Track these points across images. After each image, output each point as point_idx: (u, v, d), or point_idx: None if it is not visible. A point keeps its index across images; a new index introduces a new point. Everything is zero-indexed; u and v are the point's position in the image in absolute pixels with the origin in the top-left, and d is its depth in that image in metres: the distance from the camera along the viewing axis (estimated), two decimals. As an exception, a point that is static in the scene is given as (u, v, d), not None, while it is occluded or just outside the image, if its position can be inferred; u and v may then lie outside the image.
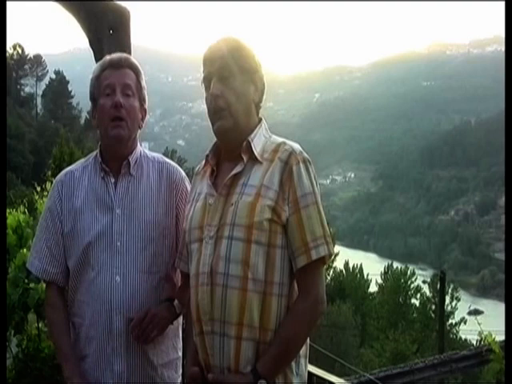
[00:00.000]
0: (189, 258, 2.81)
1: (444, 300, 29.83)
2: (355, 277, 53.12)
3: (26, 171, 55.46)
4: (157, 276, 3.05)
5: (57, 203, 3.13)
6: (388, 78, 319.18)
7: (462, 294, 53.13)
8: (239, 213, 2.60)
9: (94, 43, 5.53)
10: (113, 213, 3.02)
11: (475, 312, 66.86)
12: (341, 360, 23.61)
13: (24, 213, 7.51)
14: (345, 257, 54.46)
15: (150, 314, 2.90)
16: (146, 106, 3.16)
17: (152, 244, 3.04)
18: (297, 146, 2.71)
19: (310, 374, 2.96)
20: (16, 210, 7.53)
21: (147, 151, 3.25)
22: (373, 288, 53.16)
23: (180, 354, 3.23)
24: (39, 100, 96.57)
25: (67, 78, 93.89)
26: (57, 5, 5.69)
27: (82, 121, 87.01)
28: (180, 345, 3.23)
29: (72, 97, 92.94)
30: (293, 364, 2.66)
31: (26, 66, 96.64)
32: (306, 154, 2.70)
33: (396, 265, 54.02)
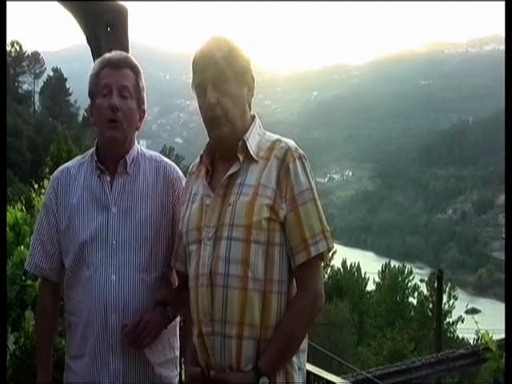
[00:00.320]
0: (187, 259, 2.80)
1: (441, 299, 29.91)
2: (353, 275, 53.21)
3: (23, 168, 55.44)
4: (153, 275, 3.03)
5: (52, 200, 3.12)
6: (386, 76, 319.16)
7: (459, 292, 53.13)
8: (238, 213, 2.59)
9: (91, 40, 5.53)
10: (108, 211, 3.01)
11: (472, 311, 66.98)
12: (338, 358, 23.65)
13: (21, 210, 7.50)
14: (342, 255, 54.51)
15: (143, 320, 2.88)
16: (145, 106, 3.14)
17: (148, 243, 3.02)
18: (292, 143, 2.71)
19: (308, 372, 2.96)
20: (13, 208, 7.53)
21: (145, 150, 3.23)
22: (370, 286, 53.30)
23: (177, 353, 3.21)
24: (37, 97, 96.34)
25: (65, 76, 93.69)
26: (55, 2, 5.69)
27: (80, 118, 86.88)
28: (177, 344, 3.22)
29: (70, 94, 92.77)
30: (294, 359, 2.68)
31: (24, 64, 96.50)
32: (301, 150, 2.70)
33: (393, 263, 54.14)
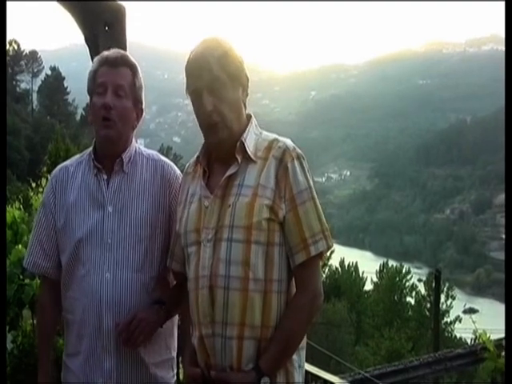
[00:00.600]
0: (185, 261, 2.79)
1: (439, 298, 29.93)
2: (350, 275, 53.28)
3: (21, 167, 55.39)
4: (148, 275, 3.01)
5: (50, 198, 3.13)
6: (384, 76, 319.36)
7: (457, 292, 53.27)
8: (237, 214, 2.58)
9: (89, 39, 5.52)
10: (104, 210, 3.00)
11: (470, 311, 66.91)
12: (336, 357, 23.67)
13: (19, 209, 7.53)
14: (340, 255, 54.52)
15: (137, 318, 2.86)
16: (143, 105, 3.11)
17: (143, 242, 3.00)
18: (289, 142, 2.70)
19: (305, 371, 2.96)
20: (11, 206, 7.55)
21: (143, 148, 3.22)
22: (368, 286, 53.34)
23: (174, 354, 3.20)
24: (35, 96, 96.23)
25: (63, 75, 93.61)
26: (53, 2, 5.68)
27: (78, 117, 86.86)
28: (174, 345, 3.20)
29: (68, 93, 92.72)
30: (294, 357, 2.68)
31: (22, 62, 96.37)
32: (298, 150, 2.69)
33: (391, 263, 54.19)
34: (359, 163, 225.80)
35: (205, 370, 2.64)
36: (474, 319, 8.55)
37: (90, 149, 3.14)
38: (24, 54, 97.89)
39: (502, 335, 3.92)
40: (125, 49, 5.19)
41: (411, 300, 47.50)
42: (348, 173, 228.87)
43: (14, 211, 7.06)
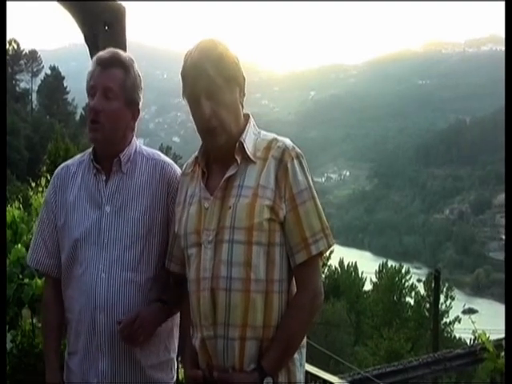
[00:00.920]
0: (186, 263, 2.78)
1: (438, 299, 29.95)
2: (350, 275, 53.29)
3: (21, 167, 55.30)
4: (144, 275, 3.00)
5: (52, 196, 3.15)
6: (383, 76, 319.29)
7: (456, 292, 53.22)
8: (238, 215, 2.57)
9: (89, 39, 5.52)
10: (102, 210, 3.00)
11: (469, 311, 66.95)
12: (337, 357, 23.68)
13: (19, 208, 7.54)
14: (340, 255, 54.46)
15: (140, 317, 2.86)
16: (140, 104, 3.09)
17: (140, 242, 2.99)
18: (288, 142, 2.70)
19: (305, 371, 2.97)
20: (11, 206, 7.56)
21: (144, 147, 3.21)
22: (367, 286, 53.30)
23: (173, 355, 3.18)
24: (34, 96, 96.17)
25: (62, 74, 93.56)
26: (53, 1, 5.68)
27: (78, 117, 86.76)
28: (174, 346, 3.19)
29: (67, 92, 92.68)
30: (296, 355, 2.69)
31: (22, 62, 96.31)
32: (298, 149, 2.69)
33: (391, 263, 54.07)
34: (358, 163, 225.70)
35: (206, 371, 2.64)
36: (473, 319, 8.54)
37: (91, 148, 3.15)
38: (24, 53, 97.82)
39: (502, 335, 3.92)
40: (124, 49, 5.19)
41: (410, 300, 47.42)
42: (347, 173, 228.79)
43: (13, 211, 7.08)
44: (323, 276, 45.33)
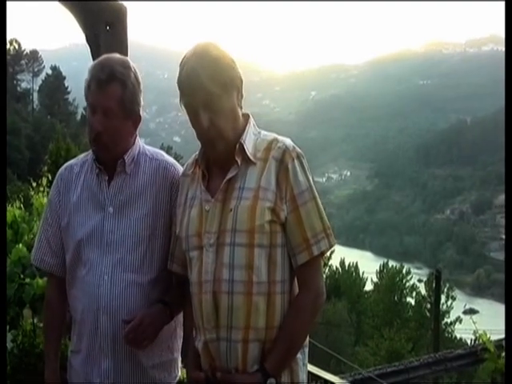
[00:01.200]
0: (188, 265, 2.77)
1: (439, 299, 29.92)
2: (351, 275, 53.26)
3: (21, 167, 55.29)
4: (147, 277, 2.99)
5: (55, 197, 3.14)
6: (384, 76, 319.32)
7: (457, 293, 53.21)
8: (239, 218, 2.57)
9: (90, 39, 5.52)
10: (105, 211, 2.99)
11: (470, 311, 67.00)
12: (339, 356, 23.68)
13: (20, 208, 7.53)
14: (341, 255, 54.46)
15: (145, 322, 2.84)
16: (140, 110, 3.04)
17: (143, 243, 2.98)
18: (289, 142, 2.68)
19: (306, 371, 2.97)
20: (12, 206, 7.56)
21: (148, 147, 3.19)
22: (368, 286, 53.27)
23: (176, 355, 3.17)
24: (35, 95, 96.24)
25: (64, 74, 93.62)
26: (54, 1, 5.68)
27: (79, 116, 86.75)
28: (177, 346, 3.18)
29: (68, 92, 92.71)
30: (299, 355, 2.69)
31: (23, 62, 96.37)
32: (298, 149, 2.67)
33: (391, 263, 54.07)
34: (359, 163, 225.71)
35: (209, 373, 2.64)
36: (474, 320, 8.54)
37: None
38: (25, 53, 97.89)
39: (502, 336, 3.92)
40: (126, 49, 5.19)
41: (411, 300, 47.44)
42: (348, 173, 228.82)
43: (14, 210, 7.07)
44: (324, 276, 45.34)
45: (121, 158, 3.02)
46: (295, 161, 2.62)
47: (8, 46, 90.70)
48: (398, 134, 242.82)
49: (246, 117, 2.76)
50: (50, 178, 8.41)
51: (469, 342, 30.56)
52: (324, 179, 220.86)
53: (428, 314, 42.00)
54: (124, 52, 5.17)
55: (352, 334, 43.74)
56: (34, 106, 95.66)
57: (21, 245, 6.18)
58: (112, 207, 3.00)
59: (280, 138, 2.71)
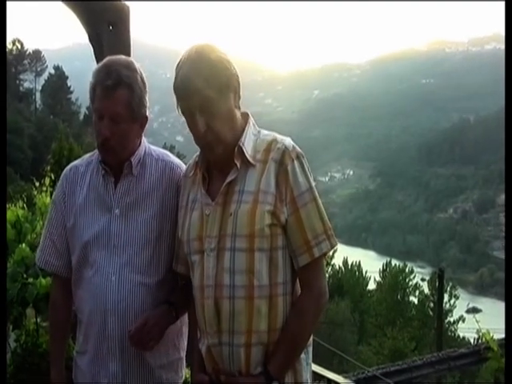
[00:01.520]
0: (190, 269, 2.76)
1: (442, 298, 29.89)
2: (354, 274, 53.19)
3: (24, 166, 55.26)
4: (154, 278, 2.98)
5: (61, 198, 3.12)
6: (387, 75, 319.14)
7: (460, 292, 53.08)
8: (239, 222, 2.55)
9: (93, 39, 5.52)
10: (111, 213, 2.98)
11: (473, 310, 66.83)
12: (343, 354, 23.67)
13: (23, 208, 7.53)
14: (343, 254, 54.39)
15: (148, 324, 2.83)
16: (147, 111, 3.01)
17: (150, 245, 2.98)
18: (288, 142, 2.66)
19: (309, 371, 2.96)
20: (15, 205, 7.55)
21: (153, 148, 3.18)
22: (371, 285, 53.22)
23: (182, 354, 3.17)
24: (38, 95, 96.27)
25: (66, 74, 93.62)
26: (57, 1, 5.68)
27: (81, 116, 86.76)
28: (183, 344, 3.18)
29: (71, 92, 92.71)
30: (302, 355, 2.68)
31: (25, 62, 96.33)
32: (298, 149, 2.65)
33: (394, 262, 53.99)
34: (361, 162, 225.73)
35: (213, 375, 2.64)
36: (477, 319, 8.51)
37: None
38: (27, 53, 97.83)
39: (506, 334, 3.90)
40: (128, 48, 5.19)
41: (414, 299, 47.35)
42: (351, 172, 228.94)
43: (17, 210, 7.07)
44: (327, 275, 45.31)
45: (128, 160, 3.00)
46: (295, 162, 2.59)
47: (11, 45, 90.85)
48: (401, 133, 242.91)
49: (246, 116, 2.74)
50: (52, 177, 8.40)
51: (472, 340, 30.61)
52: (327, 178, 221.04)
53: (431, 312, 41.94)
54: (127, 51, 5.17)
55: (355, 333, 43.71)
56: (37, 106, 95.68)
57: (24, 244, 6.17)
58: (118, 209, 2.99)
59: (279, 137, 2.69)
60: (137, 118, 2.97)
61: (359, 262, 55.34)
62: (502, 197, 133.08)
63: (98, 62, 4.33)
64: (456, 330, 44.08)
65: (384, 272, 51.36)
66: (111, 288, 2.92)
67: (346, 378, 11.82)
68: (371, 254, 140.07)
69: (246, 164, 2.61)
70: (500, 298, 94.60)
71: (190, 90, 2.54)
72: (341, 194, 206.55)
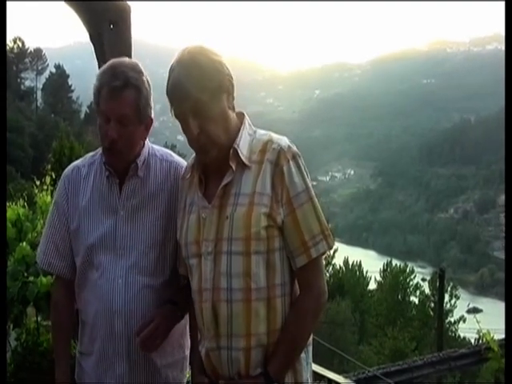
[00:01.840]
0: (189, 272, 2.76)
1: (443, 298, 29.88)
2: (354, 274, 53.15)
3: (25, 165, 55.25)
4: (160, 279, 2.98)
5: (63, 200, 3.09)
6: (387, 75, 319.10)
7: (460, 292, 53.05)
8: (235, 226, 2.55)
9: (94, 37, 5.51)
10: (117, 215, 2.97)
11: (474, 310, 66.78)
12: (342, 353, 23.68)
13: (23, 206, 7.52)
14: (344, 254, 54.41)
15: (155, 323, 2.83)
16: (152, 111, 3.04)
17: (156, 247, 2.97)
18: (284, 142, 2.64)
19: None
20: (15, 204, 7.54)
21: (156, 147, 3.18)
22: (372, 285, 53.20)
23: (187, 352, 3.17)
24: (39, 94, 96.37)
25: (67, 72, 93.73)
26: (58, 0, 5.68)
27: (82, 115, 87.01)
28: (187, 343, 3.18)
29: (72, 91, 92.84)
30: (302, 355, 2.68)
31: (27, 60, 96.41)
32: (294, 148, 2.63)
33: (395, 262, 53.93)
34: (362, 162, 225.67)
35: (212, 377, 2.64)
36: (477, 319, 8.53)
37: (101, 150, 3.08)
38: (28, 51, 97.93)
39: (507, 335, 3.90)
40: (130, 47, 5.19)
41: (415, 299, 47.32)
42: (351, 172, 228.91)
43: (18, 209, 7.06)
44: (328, 275, 45.34)
45: (133, 161, 2.99)
46: (290, 162, 2.58)
47: (12, 44, 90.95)
48: (402, 133, 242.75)
49: (241, 116, 2.74)
50: (53, 176, 8.38)
51: (472, 341, 30.63)
52: (327, 178, 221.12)
53: (432, 312, 41.91)
54: (128, 50, 5.17)
55: (355, 332, 43.69)
56: (38, 105, 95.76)
57: (24, 243, 6.16)
58: (124, 211, 2.98)
59: (275, 137, 2.67)
60: (143, 120, 2.96)
61: (360, 261, 55.28)
62: (503, 197, 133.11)
63: (98, 60, 4.34)
64: (456, 330, 44.05)
65: (385, 272, 51.32)
66: (118, 290, 2.92)
67: (346, 377, 11.82)
68: (372, 253, 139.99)
69: (242, 166, 2.60)
70: (500, 299, 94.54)
71: (181, 95, 2.56)
72: (342, 193, 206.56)
